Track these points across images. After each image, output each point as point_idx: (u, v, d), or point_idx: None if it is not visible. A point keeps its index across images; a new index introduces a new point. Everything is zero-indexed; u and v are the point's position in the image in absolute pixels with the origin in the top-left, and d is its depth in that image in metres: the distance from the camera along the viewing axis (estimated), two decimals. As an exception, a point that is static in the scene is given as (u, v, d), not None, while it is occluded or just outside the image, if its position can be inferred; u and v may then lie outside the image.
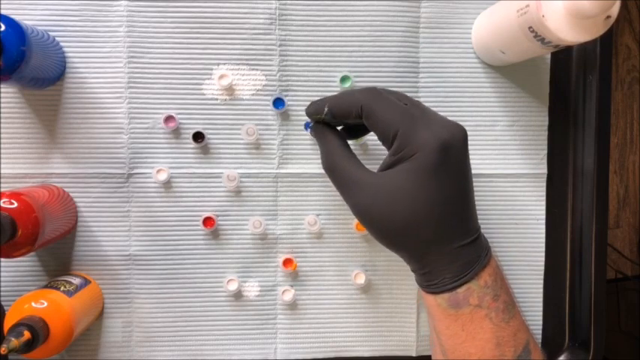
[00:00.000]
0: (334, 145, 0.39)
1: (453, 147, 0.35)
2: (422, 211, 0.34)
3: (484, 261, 0.36)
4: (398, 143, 0.35)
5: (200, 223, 0.48)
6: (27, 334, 0.37)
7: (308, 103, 0.48)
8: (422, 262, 0.36)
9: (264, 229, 0.48)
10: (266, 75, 0.48)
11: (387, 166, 0.36)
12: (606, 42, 0.49)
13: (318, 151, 0.48)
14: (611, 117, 0.51)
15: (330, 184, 0.48)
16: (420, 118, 0.35)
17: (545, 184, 0.50)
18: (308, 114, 0.41)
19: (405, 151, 0.35)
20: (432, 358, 0.41)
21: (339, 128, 0.41)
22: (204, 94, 0.48)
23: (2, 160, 0.46)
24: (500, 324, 0.36)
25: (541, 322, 0.51)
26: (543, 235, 0.51)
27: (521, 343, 0.36)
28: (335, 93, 0.42)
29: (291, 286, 0.49)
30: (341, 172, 0.38)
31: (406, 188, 0.34)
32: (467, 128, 0.36)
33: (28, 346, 0.37)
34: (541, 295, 0.51)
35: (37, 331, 0.37)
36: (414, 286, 0.50)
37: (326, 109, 0.39)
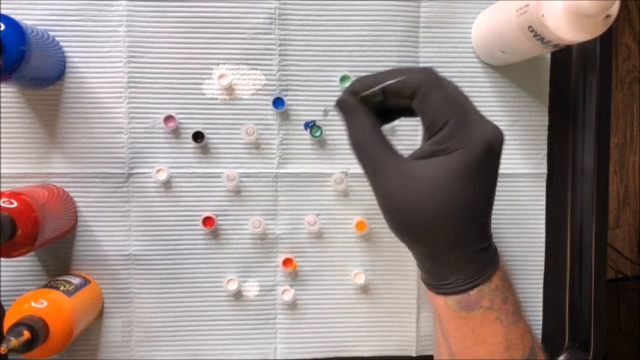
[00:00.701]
0: (366, 123, 0.36)
1: (496, 148, 0.34)
2: (456, 208, 0.33)
3: (496, 264, 0.36)
4: (446, 133, 0.34)
5: (200, 222, 0.48)
6: (27, 334, 0.37)
7: (307, 102, 0.48)
8: (437, 260, 0.35)
9: (264, 229, 0.48)
10: (266, 75, 0.48)
11: (425, 155, 0.35)
12: (606, 42, 0.49)
13: (318, 152, 0.49)
14: (611, 117, 0.51)
15: (329, 184, 0.49)
16: (472, 114, 0.34)
17: (545, 183, 0.50)
18: (354, 90, 0.37)
19: (452, 143, 0.33)
20: (435, 358, 0.41)
21: None
22: (204, 94, 0.48)
23: (2, 160, 0.46)
24: (510, 327, 0.35)
25: (541, 322, 0.51)
26: (543, 235, 0.51)
27: (528, 346, 0.36)
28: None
29: (291, 285, 0.49)
30: (371, 153, 0.36)
31: (443, 181, 0.33)
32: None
33: (28, 346, 0.37)
34: (541, 295, 0.51)
35: (36, 330, 0.37)
36: (414, 286, 0.50)
37: (381, 86, 0.35)
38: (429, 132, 0.35)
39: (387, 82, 0.35)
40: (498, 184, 0.49)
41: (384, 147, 0.36)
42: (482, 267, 0.35)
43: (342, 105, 0.37)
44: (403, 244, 0.49)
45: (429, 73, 0.35)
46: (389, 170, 0.35)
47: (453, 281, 0.35)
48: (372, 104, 0.37)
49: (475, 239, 0.35)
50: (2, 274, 0.47)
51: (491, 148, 0.34)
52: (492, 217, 0.50)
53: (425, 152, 0.35)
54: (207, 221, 0.48)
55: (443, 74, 0.48)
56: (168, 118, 0.47)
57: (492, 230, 0.44)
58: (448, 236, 0.34)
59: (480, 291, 0.35)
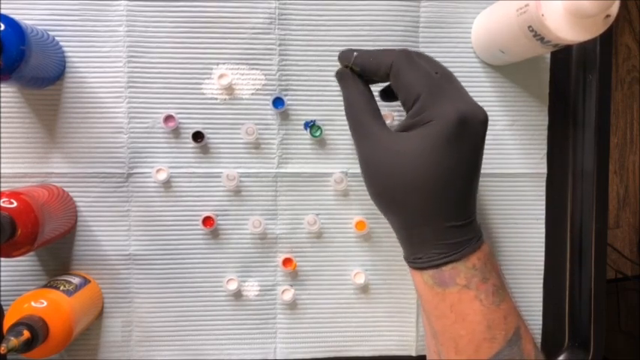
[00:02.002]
0: (357, 94, 0.39)
1: (470, 125, 0.35)
2: (427, 180, 0.34)
3: (474, 245, 0.36)
4: (418, 106, 0.35)
5: (200, 222, 0.48)
6: (26, 334, 0.37)
7: (307, 102, 0.48)
8: (411, 233, 0.36)
9: (264, 229, 0.48)
10: (265, 74, 0.48)
11: (403, 128, 0.36)
12: (606, 41, 0.49)
13: (318, 151, 0.49)
14: (611, 117, 0.51)
15: (329, 184, 0.49)
16: (445, 89, 0.36)
17: (544, 183, 0.50)
18: (340, 58, 0.40)
19: (423, 116, 0.35)
20: (427, 352, 0.41)
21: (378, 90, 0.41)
22: (203, 94, 0.48)
23: (2, 160, 0.46)
24: (491, 307, 0.36)
25: (541, 322, 0.51)
26: (543, 235, 0.51)
27: (512, 327, 0.36)
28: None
29: (291, 285, 0.49)
30: (359, 122, 0.38)
31: (416, 152, 0.35)
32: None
33: (28, 346, 0.37)
34: (541, 295, 0.51)
35: (36, 330, 0.37)
36: (413, 286, 0.50)
37: (355, 54, 0.38)
38: (406, 107, 0.37)
39: (355, 55, 0.39)
40: (498, 183, 0.50)
41: (371, 116, 0.38)
42: (458, 244, 0.35)
43: (339, 74, 0.41)
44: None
45: (401, 52, 0.37)
46: (371, 138, 0.37)
47: (426, 255, 0.36)
48: (367, 79, 0.40)
49: (448, 214, 0.35)
50: (2, 274, 0.47)
51: (464, 122, 0.34)
52: (493, 216, 0.50)
53: (403, 126, 0.37)
54: (207, 221, 0.48)
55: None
56: (168, 118, 0.47)
57: (493, 230, 0.44)
58: (419, 208, 0.35)
59: (453, 268, 0.35)
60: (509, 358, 0.36)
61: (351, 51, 0.39)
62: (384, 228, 0.49)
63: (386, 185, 0.36)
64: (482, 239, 0.37)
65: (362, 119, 0.38)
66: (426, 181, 0.34)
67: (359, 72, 0.40)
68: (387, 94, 0.44)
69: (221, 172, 0.48)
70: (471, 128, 0.35)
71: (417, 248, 0.36)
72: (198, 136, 0.47)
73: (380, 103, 0.42)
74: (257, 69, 0.48)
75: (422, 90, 0.35)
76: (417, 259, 0.37)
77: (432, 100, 0.35)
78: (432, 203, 0.35)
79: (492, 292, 0.36)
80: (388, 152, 0.36)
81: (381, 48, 0.40)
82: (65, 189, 0.47)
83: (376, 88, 0.43)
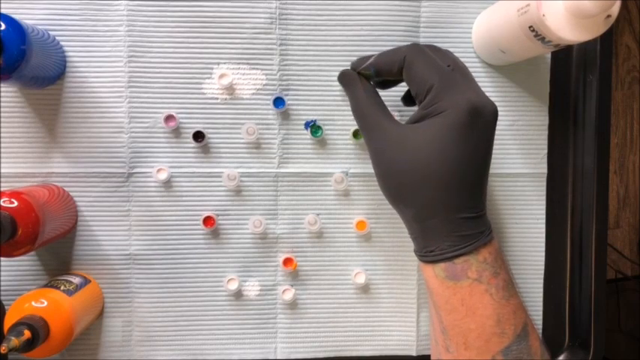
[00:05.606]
0: (364, 91, 0.40)
1: (483, 116, 0.35)
2: (440, 169, 0.35)
3: (485, 239, 0.36)
4: (430, 97, 0.36)
5: (200, 222, 0.48)
6: (27, 334, 0.37)
7: (308, 102, 0.48)
8: (424, 225, 0.36)
9: (265, 229, 0.48)
10: (266, 74, 0.48)
11: (415, 120, 0.37)
12: (606, 41, 0.49)
13: (318, 151, 0.49)
14: (611, 117, 0.51)
15: (329, 183, 0.49)
16: (457, 81, 0.36)
17: (545, 183, 0.51)
18: (353, 67, 0.42)
19: (436, 106, 0.35)
20: (432, 348, 0.41)
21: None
22: (204, 94, 0.48)
23: (2, 160, 0.46)
24: (501, 301, 0.36)
25: (541, 322, 0.51)
26: (543, 235, 0.51)
27: (520, 322, 0.37)
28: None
29: (292, 285, 0.49)
30: (368, 116, 0.38)
31: (429, 142, 0.35)
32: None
33: (29, 346, 0.37)
34: (541, 295, 0.51)
35: (37, 330, 0.37)
36: (414, 286, 0.50)
37: (372, 59, 0.39)
38: (418, 99, 0.37)
39: (372, 58, 0.40)
40: (498, 183, 0.50)
41: (380, 111, 0.38)
42: (469, 237, 0.35)
43: (342, 77, 0.42)
44: (403, 244, 0.49)
45: (413, 46, 0.38)
46: (382, 132, 0.37)
47: (438, 247, 0.36)
48: (370, 80, 0.42)
49: (461, 206, 0.35)
50: (2, 273, 0.47)
51: (477, 112, 0.35)
52: (493, 216, 0.50)
53: (416, 117, 0.37)
54: (208, 221, 0.48)
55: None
56: (169, 118, 0.47)
57: (493, 229, 0.43)
58: (432, 199, 0.35)
59: (465, 261, 0.35)
60: (517, 353, 0.36)
61: (366, 57, 0.40)
62: (384, 228, 0.49)
63: (399, 177, 0.36)
64: (492, 234, 0.37)
65: (370, 114, 0.38)
66: (439, 170, 0.35)
67: (369, 75, 0.40)
68: (408, 100, 0.45)
69: (222, 172, 0.48)
70: (483, 119, 0.35)
71: (429, 241, 0.36)
72: (198, 136, 0.47)
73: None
74: (258, 69, 0.48)
75: (434, 81, 0.35)
76: (429, 252, 0.36)
77: (445, 91, 0.35)
78: (445, 193, 0.35)
79: (503, 286, 0.36)
80: (400, 144, 0.36)
81: (392, 47, 0.40)
82: (66, 189, 0.47)
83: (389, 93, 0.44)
